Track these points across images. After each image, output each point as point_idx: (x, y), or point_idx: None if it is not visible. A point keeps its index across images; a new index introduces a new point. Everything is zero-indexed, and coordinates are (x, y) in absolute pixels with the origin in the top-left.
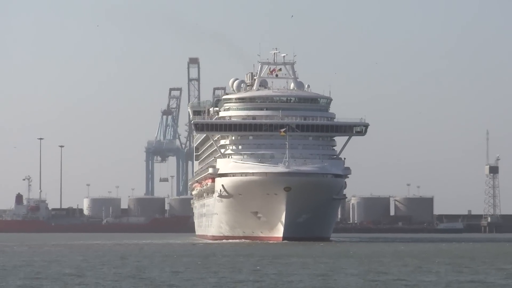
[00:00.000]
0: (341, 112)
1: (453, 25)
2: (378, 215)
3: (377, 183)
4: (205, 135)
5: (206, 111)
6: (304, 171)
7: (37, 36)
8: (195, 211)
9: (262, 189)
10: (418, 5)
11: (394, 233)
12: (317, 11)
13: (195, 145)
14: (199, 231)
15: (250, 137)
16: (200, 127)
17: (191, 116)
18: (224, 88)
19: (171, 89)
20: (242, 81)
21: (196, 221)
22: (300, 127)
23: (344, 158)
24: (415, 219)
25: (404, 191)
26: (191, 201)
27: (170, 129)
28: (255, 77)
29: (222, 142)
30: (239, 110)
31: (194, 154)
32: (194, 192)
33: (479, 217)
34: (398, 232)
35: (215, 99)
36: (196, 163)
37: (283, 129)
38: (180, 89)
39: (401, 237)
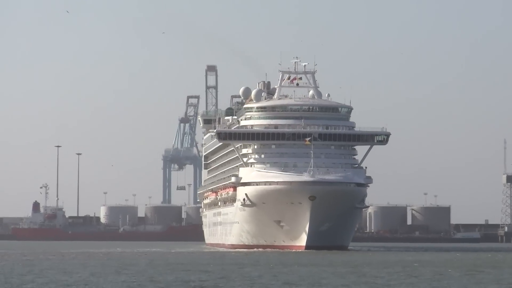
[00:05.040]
0: (360, 122)
1: (471, 35)
2: (395, 224)
3: (394, 192)
4: (218, 144)
5: (217, 119)
6: (328, 180)
7: (55, 44)
8: (205, 220)
9: (286, 198)
10: (437, 14)
11: (411, 242)
12: (336, 20)
13: (203, 154)
14: (210, 240)
15: (273, 146)
16: (223, 136)
17: (201, 125)
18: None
19: (188, 97)
20: (261, 90)
21: (207, 229)
22: (322, 136)
23: (366, 167)
24: (432, 228)
25: (421, 200)
26: (200, 209)
27: (187, 137)
28: (275, 86)
29: (244, 151)
30: (261, 119)
31: (203, 163)
32: (206, 201)
33: (496, 226)
34: (415, 242)
35: (228, 107)
36: (205, 171)
37: (308, 138)
38: (197, 97)
39: (436, 247)
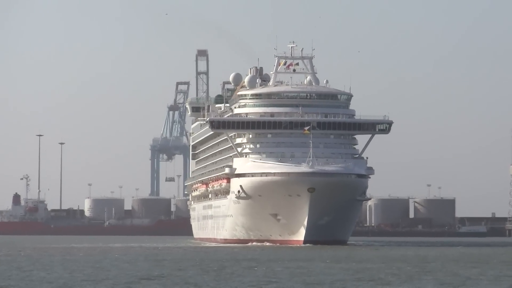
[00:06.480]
0: (360, 109)
1: (476, 22)
2: (396, 218)
3: (395, 183)
4: (209, 133)
5: (207, 107)
6: (328, 171)
7: (38, 30)
8: (194, 213)
9: (284, 190)
10: None
11: (413, 236)
12: (334, 2)
13: (191, 144)
14: (200, 234)
15: (269, 135)
16: (216, 125)
17: (189, 113)
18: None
19: (178, 83)
20: (255, 76)
21: (196, 223)
22: (321, 124)
23: (367, 158)
24: (436, 222)
25: (424, 192)
26: (188, 202)
27: (177, 126)
28: (269, 72)
29: (238, 140)
30: (256, 106)
31: (191, 153)
32: (194, 194)
33: (504, 220)
34: (417, 236)
35: (218, 94)
36: (192, 162)
37: (307, 127)
38: (187, 83)
39: (438, 241)
